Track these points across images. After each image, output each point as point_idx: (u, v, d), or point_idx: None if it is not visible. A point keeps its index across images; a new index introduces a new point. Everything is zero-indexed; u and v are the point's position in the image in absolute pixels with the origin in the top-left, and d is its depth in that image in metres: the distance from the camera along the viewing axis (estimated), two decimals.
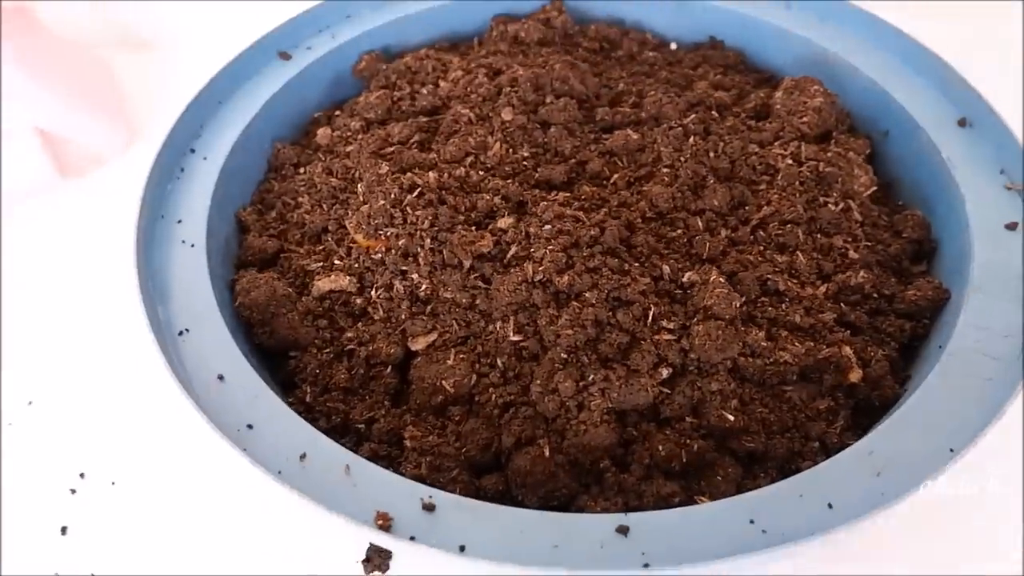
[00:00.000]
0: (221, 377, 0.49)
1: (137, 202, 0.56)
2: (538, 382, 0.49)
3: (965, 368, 0.47)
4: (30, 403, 0.59)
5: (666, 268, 0.52)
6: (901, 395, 0.50)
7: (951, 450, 0.44)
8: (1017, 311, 0.50)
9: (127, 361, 0.59)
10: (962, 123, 0.61)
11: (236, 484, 0.53)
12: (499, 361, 0.51)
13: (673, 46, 0.76)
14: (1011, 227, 0.54)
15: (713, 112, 0.64)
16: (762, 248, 0.55)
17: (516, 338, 0.51)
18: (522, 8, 0.77)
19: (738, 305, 0.50)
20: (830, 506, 0.42)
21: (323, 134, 0.67)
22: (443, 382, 0.51)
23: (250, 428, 0.47)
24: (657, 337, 0.49)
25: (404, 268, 0.54)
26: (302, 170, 0.65)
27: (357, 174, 0.61)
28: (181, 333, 0.51)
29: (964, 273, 0.53)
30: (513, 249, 0.53)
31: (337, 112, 0.70)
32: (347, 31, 0.73)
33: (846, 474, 0.44)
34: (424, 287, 0.53)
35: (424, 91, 0.66)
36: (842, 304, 0.53)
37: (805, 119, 0.62)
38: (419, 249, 0.53)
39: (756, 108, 0.66)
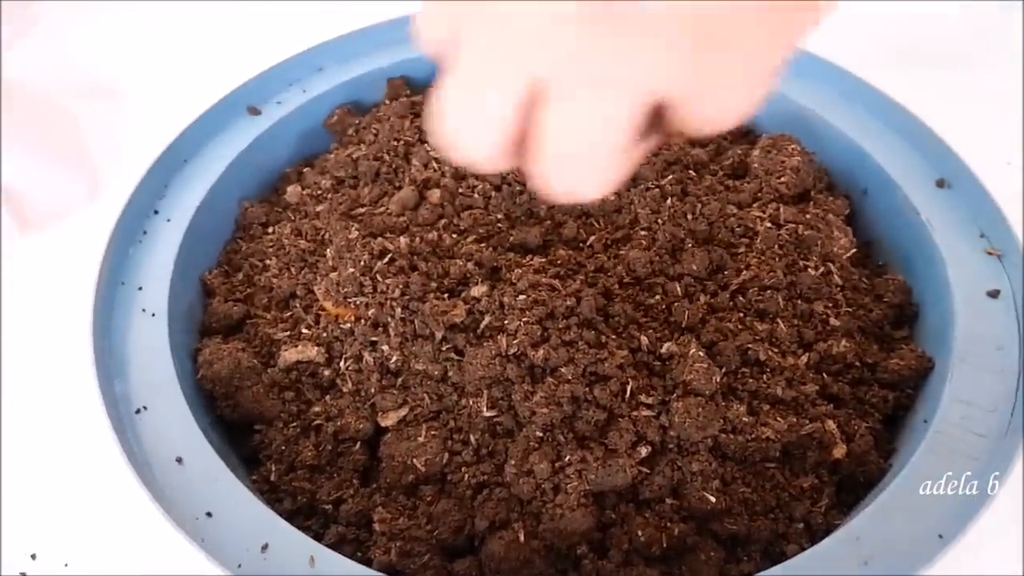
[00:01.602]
0: (180, 460, 0.47)
1: (96, 268, 0.54)
2: (513, 462, 0.47)
3: (951, 446, 0.46)
4: None
5: (644, 339, 0.51)
6: (887, 470, 0.49)
7: (940, 536, 0.42)
8: (1001, 384, 0.49)
9: (82, 437, 0.56)
10: (940, 183, 0.60)
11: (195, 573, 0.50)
12: (472, 438, 0.49)
13: None
14: (993, 294, 0.53)
15: (690, 171, 0.63)
16: (742, 315, 0.54)
17: (490, 413, 0.49)
18: None
19: (718, 380, 0.48)
20: None
21: (292, 192, 0.65)
22: (414, 460, 0.48)
23: (209, 516, 0.44)
24: (635, 413, 0.47)
25: (374, 339, 0.52)
26: (271, 230, 0.63)
27: (327, 236, 0.59)
28: (139, 411, 0.49)
29: (947, 340, 0.52)
30: (487, 319, 0.51)
31: (307, 168, 0.68)
32: (319, 84, 0.71)
33: (833, 563, 0.42)
34: (395, 359, 0.51)
35: (396, 150, 0.64)
36: (824, 374, 0.52)
37: (783, 179, 0.61)
38: (389, 319, 0.52)
39: (733, 165, 0.65)
